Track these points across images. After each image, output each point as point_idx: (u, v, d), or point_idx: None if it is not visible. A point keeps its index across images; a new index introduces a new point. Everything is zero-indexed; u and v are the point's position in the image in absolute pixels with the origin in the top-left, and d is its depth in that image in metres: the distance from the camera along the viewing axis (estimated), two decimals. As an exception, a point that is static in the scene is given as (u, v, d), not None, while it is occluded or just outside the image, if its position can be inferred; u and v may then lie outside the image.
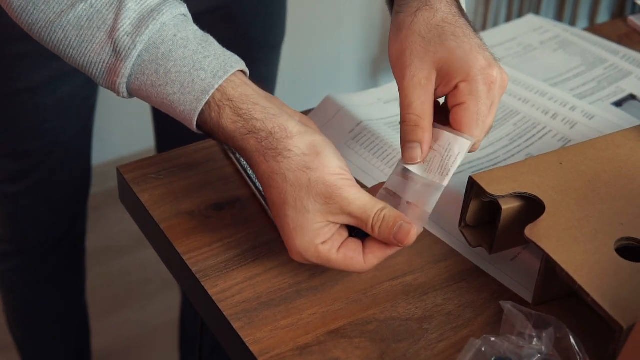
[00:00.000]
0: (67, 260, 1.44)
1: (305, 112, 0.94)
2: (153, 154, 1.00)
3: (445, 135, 0.72)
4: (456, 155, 0.71)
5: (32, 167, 1.27)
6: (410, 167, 0.73)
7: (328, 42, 2.38)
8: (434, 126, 0.73)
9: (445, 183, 0.71)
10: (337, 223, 0.69)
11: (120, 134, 2.19)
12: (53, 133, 1.24)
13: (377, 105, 0.97)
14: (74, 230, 1.41)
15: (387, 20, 2.43)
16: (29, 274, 1.41)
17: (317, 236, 0.68)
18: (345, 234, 0.70)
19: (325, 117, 0.94)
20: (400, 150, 0.73)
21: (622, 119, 0.95)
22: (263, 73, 1.28)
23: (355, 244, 0.70)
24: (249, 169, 0.86)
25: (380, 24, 2.46)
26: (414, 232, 0.68)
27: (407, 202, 0.71)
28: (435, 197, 0.71)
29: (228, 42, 1.16)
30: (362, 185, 0.81)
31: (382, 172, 0.86)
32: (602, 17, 2.63)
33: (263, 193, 0.82)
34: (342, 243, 0.70)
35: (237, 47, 1.18)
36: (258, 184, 0.84)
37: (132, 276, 2.02)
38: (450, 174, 0.71)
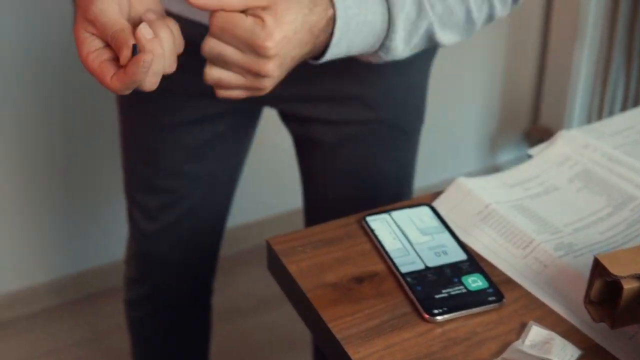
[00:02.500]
0: (194, 311, 1.53)
1: (425, 189, 1.02)
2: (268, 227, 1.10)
3: None
4: None
5: (169, 206, 1.35)
6: None
7: (448, 116, 2.45)
8: None
9: None
10: (93, 34, 0.82)
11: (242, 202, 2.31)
12: (193, 175, 1.33)
13: (503, 189, 1.05)
14: (202, 283, 1.50)
15: (507, 97, 2.50)
16: (158, 323, 1.50)
17: (82, 44, 0.82)
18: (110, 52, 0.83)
19: (455, 200, 1.02)
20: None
21: None
22: (397, 157, 1.32)
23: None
24: (385, 244, 0.95)
25: (499, 100, 2.53)
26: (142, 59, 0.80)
27: None
28: None
29: (360, 121, 1.25)
30: (493, 267, 0.90)
31: (510, 253, 0.94)
32: None
33: (400, 269, 0.91)
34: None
35: (368, 127, 1.26)
36: (395, 260, 0.92)
37: (257, 338, 2.11)
38: None
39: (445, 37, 1.00)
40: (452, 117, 2.46)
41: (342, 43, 0.93)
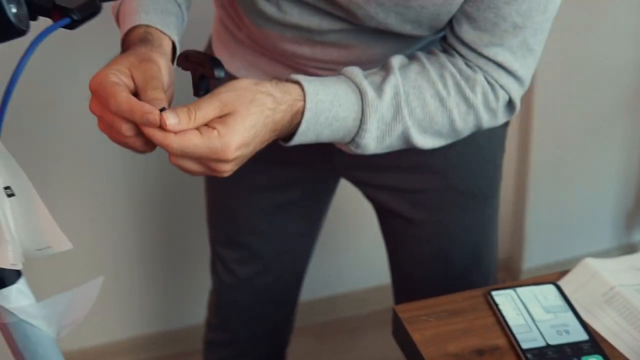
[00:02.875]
0: (273, 357, 1.59)
1: (557, 264, 1.04)
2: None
3: None
4: None
5: (246, 261, 1.43)
6: None
7: (584, 193, 2.43)
8: None
9: None
10: None
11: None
12: (267, 234, 1.40)
13: (630, 272, 1.06)
14: (278, 335, 1.56)
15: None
16: None
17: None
18: None
19: (581, 280, 1.04)
20: None
21: None
22: (471, 222, 1.32)
23: None
24: (508, 319, 0.98)
25: (637, 177, 2.49)
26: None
27: None
28: None
29: (429, 188, 1.28)
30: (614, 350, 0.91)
31: (632, 336, 0.95)
32: None
33: (521, 345, 0.94)
34: None
35: (438, 193, 1.30)
36: (517, 335, 0.95)
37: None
38: None
39: (424, 141, 1.01)
40: (588, 192, 2.44)
41: (309, 133, 0.95)
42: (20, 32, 0.76)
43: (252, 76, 1.18)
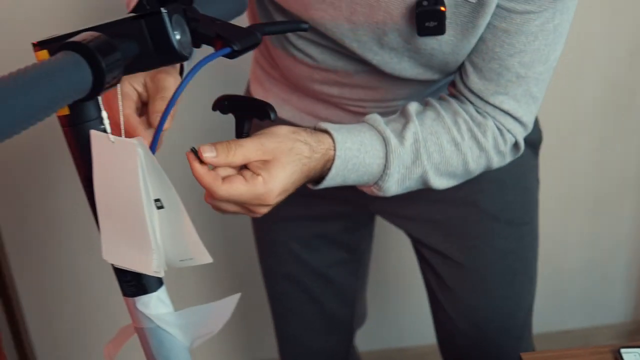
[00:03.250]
0: None
1: None
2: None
3: None
4: None
5: (292, 291, 1.50)
6: None
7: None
8: None
9: None
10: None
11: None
12: (309, 264, 1.46)
13: None
14: None
15: None
16: None
17: None
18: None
19: None
20: None
21: None
22: (502, 247, 1.32)
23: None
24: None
25: None
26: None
27: None
28: None
29: (460, 216, 1.27)
30: None
31: None
32: None
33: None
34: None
35: (470, 220, 1.31)
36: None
37: None
38: None
39: (440, 182, 1.08)
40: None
41: (337, 178, 1.00)
42: (182, 58, 0.81)
43: (284, 111, 1.30)
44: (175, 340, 0.88)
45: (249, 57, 1.40)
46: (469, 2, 1.00)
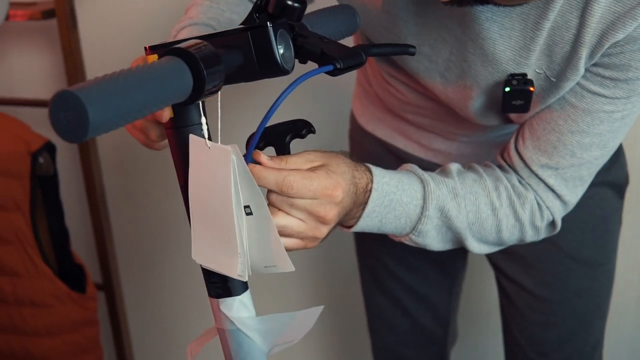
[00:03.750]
0: None
1: None
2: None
3: None
4: None
5: (390, 306, 1.53)
6: None
7: None
8: None
9: None
10: None
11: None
12: (407, 281, 1.49)
13: None
14: None
15: None
16: None
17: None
18: None
19: None
20: None
21: None
22: (576, 286, 1.31)
23: None
24: None
25: None
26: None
27: None
28: None
29: (538, 250, 1.27)
30: None
31: None
32: None
33: None
34: None
35: (547, 257, 1.30)
36: None
37: None
38: None
39: (473, 244, 1.06)
40: None
41: (374, 215, 0.97)
42: (283, 71, 0.84)
43: (378, 130, 1.35)
44: (254, 345, 0.90)
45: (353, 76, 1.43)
46: (550, 79, 1.00)
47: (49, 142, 1.84)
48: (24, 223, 1.84)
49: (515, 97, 1.01)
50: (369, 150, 1.41)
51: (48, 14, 1.87)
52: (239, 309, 0.89)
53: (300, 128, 0.92)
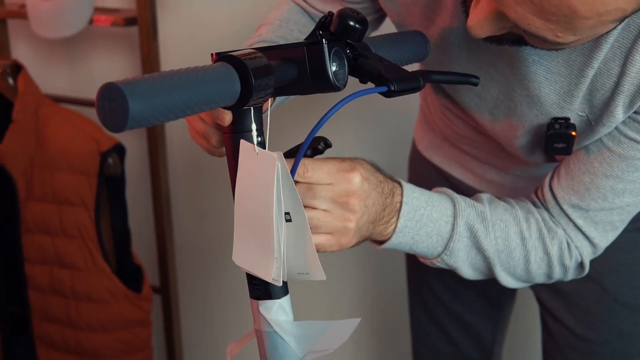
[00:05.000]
0: None
1: None
2: None
3: None
4: None
5: (437, 335, 1.55)
6: None
7: None
8: None
9: None
10: None
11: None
12: (453, 311, 1.50)
13: None
14: None
15: None
16: None
17: None
18: None
19: None
20: None
21: None
22: (618, 329, 1.29)
23: None
24: None
25: None
26: None
27: None
28: None
29: (582, 290, 1.27)
30: None
31: None
32: None
33: None
34: None
35: (591, 297, 1.29)
36: None
37: None
38: None
39: (500, 275, 1.06)
40: None
41: (406, 231, 0.98)
42: (335, 88, 0.87)
43: (435, 157, 1.37)
44: (289, 348, 0.93)
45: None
46: (590, 122, 1.01)
47: (118, 144, 1.91)
48: (88, 219, 1.91)
49: (557, 140, 1.02)
50: (425, 177, 1.44)
51: (130, 21, 1.94)
52: (278, 312, 0.92)
53: (317, 141, 0.93)
